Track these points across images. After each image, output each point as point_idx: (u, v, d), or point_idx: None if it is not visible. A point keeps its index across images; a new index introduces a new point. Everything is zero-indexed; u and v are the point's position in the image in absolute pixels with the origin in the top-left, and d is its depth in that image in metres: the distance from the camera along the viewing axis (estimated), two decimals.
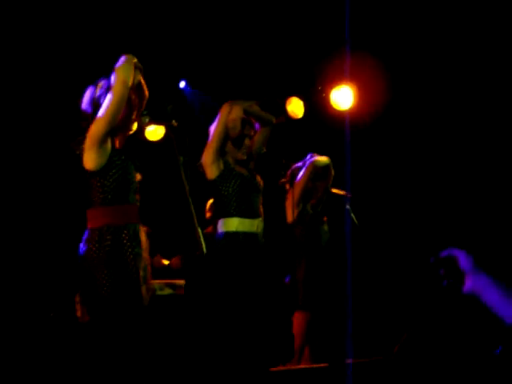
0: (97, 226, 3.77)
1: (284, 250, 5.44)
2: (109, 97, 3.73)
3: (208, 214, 6.13)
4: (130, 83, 3.75)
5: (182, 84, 7.37)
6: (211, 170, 4.65)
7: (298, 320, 5.30)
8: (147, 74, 6.60)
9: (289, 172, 5.69)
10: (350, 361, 4.14)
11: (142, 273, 3.79)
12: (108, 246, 3.72)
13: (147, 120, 4.22)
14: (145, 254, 3.86)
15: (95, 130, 3.72)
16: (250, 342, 4.31)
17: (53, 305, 5.74)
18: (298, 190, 5.58)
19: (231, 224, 4.60)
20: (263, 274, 4.54)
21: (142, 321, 3.76)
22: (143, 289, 3.78)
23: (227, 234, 4.58)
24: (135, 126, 4.08)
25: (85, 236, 3.80)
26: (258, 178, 4.87)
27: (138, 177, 3.98)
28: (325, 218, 5.82)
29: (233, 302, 4.37)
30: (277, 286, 4.67)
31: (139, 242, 3.83)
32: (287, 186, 5.65)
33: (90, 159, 3.76)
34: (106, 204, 3.78)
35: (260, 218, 4.73)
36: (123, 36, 6.49)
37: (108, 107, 3.71)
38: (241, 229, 4.60)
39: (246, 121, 4.84)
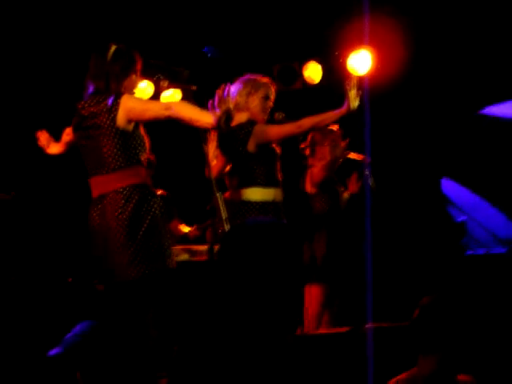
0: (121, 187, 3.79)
1: (303, 220, 5.39)
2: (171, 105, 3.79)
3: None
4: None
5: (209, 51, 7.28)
6: (256, 145, 4.64)
7: (315, 292, 5.28)
8: (166, 40, 6.59)
9: (309, 137, 5.61)
10: (370, 326, 4.12)
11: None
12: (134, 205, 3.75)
13: (166, 84, 4.19)
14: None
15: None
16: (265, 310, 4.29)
17: (71, 270, 5.76)
18: (319, 163, 5.52)
19: (256, 193, 4.59)
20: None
21: (169, 286, 3.77)
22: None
23: (251, 204, 4.56)
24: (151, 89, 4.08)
25: (106, 200, 3.81)
26: (273, 144, 4.84)
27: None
28: (342, 188, 5.75)
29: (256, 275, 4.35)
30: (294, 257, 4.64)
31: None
32: (307, 152, 5.58)
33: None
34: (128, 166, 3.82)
35: (280, 187, 4.71)
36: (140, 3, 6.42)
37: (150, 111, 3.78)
38: (265, 198, 4.58)
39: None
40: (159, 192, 4.18)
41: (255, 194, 4.60)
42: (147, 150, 3.98)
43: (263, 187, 4.61)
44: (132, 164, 3.83)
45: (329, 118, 4.69)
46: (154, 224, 3.79)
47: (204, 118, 3.68)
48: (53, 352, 2.38)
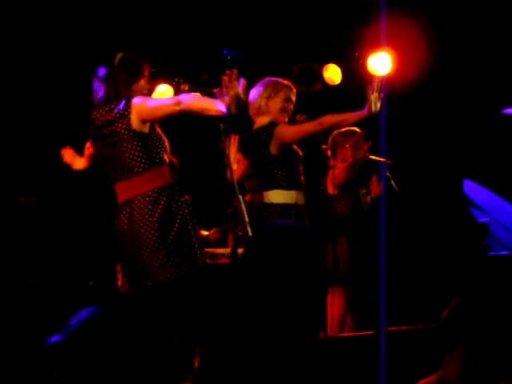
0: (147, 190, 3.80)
1: (325, 223, 5.37)
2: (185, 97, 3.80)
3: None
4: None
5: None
6: (278, 147, 4.65)
7: (338, 295, 5.24)
8: (185, 43, 6.60)
9: (330, 138, 5.60)
10: (385, 330, 4.10)
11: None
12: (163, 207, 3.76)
13: (187, 87, 4.20)
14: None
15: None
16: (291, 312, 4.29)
17: (93, 274, 5.77)
18: (341, 165, 5.51)
19: (278, 196, 4.59)
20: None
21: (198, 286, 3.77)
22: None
23: (273, 206, 4.57)
24: (171, 92, 4.09)
25: (134, 204, 3.82)
26: (295, 146, 4.84)
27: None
28: (364, 190, 5.72)
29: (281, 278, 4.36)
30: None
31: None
32: (329, 153, 5.56)
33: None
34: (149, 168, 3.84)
35: (302, 190, 4.72)
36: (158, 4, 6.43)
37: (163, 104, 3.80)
38: (287, 200, 4.59)
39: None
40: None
41: (277, 196, 4.61)
42: (168, 150, 3.99)
43: (285, 190, 4.62)
44: (155, 165, 3.85)
45: (350, 119, 4.67)
46: (184, 225, 3.81)
47: (214, 106, 3.68)
48: (53, 339, 2.36)
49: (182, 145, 4.63)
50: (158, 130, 3.99)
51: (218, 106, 3.67)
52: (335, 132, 5.56)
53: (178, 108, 3.76)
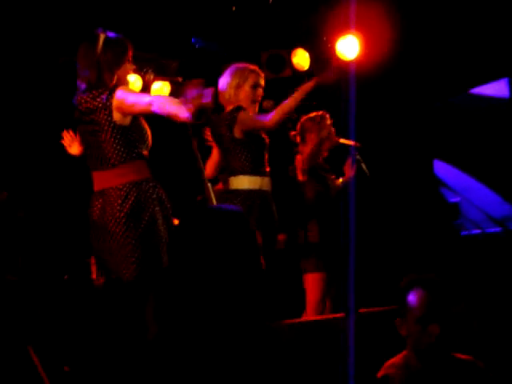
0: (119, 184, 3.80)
1: (295, 209, 5.39)
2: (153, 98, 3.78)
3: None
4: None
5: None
6: (241, 132, 4.65)
7: (312, 281, 5.27)
8: (153, 32, 6.58)
9: (299, 124, 5.61)
10: (355, 312, 4.15)
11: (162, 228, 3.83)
12: (132, 203, 3.75)
13: (152, 77, 4.20)
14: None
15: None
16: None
17: (68, 267, 5.76)
18: (308, 149, 5.51)
19: (243, 182, 4.61)
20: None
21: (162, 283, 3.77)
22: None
23: (238, 192, 4.59)
24: (140, 83, 4.08)
25: (106, 196, 3.82)
26: (263, 133, 4.85)
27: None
28: (333, 176, 5.72)
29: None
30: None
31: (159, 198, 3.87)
32: (298, 139, 5.58)
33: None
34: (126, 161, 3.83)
35: (267, 176, 4.73)
36: None
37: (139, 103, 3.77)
38: (252, 186, 4.61)
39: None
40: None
41: (242, 182, 4.62)
42: (149, 143, 3.98)
43: (250, 175, 4.63)
44: (132, 159, 3.83)
45: (299, 96, 4.67)
46: (152, 223, 3.79)
47: (180, 113, 3.68)
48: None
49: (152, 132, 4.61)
50: (144, 123, 3.97)
51: (183, 114, 3.67)
52: (304, 118, 5.58)
53: (150, 108, 3.75)
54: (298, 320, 4.66)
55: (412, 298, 3.05)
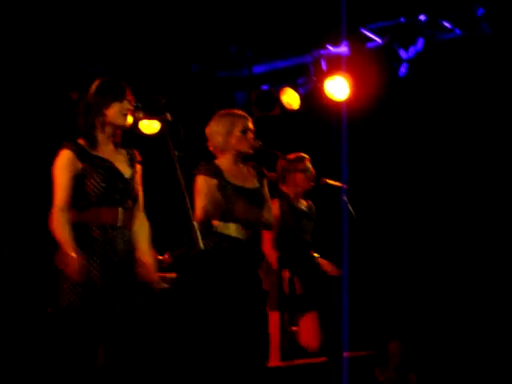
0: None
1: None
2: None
3: None
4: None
5: None
6: None
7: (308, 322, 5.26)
8: (142, 66, 6.60)
9: (279, 166, 5.61)
10: (345, 355, 4.13)
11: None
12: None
13: (141, 115, 4.18)
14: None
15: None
16: (243, 338, 4.29)
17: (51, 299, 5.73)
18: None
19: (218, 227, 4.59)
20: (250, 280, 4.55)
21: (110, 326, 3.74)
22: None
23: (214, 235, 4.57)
24: (130, 120, 4.06)
25: None
26: None
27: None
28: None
29: (224, 303, 4.37)
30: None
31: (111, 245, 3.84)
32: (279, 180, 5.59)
33: None
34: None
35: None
36: (116, 26, 6.43)
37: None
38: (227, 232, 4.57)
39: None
40: None
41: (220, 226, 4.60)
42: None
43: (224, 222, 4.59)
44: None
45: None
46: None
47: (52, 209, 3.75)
48: None
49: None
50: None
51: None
52: (282, 160, 5.57)
53: None
54: (283, 363, 4.63)
55: (391, 347, 3.12)
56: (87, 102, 3.93)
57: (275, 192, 5.41)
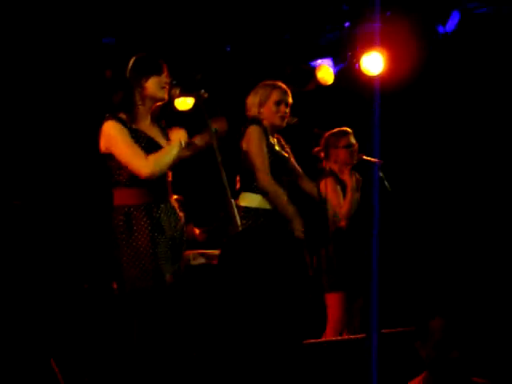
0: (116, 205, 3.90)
1: (315, 228, 5.36)
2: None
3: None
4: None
5: None
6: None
7: (332, 301, 5.25)
8: (176, 44, 6.61)
9: (322, 140, 5.59)
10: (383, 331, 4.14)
11: (160, 249, 3.81)
12: (120, 225, 3.78)
13: (178, 92, 4.21)
14: (170, 232, 3.89)
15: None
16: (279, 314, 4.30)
17: (88, 276, 5.79)
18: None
19: (253, 200, 4.55)
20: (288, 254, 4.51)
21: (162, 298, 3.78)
22: (164, 266, 3.80)
23: (248, 210, 4.53)
24: (165, 95, 4.10)
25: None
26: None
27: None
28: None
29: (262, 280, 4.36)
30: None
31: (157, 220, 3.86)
32: (321, 155, 5.56)
33: None
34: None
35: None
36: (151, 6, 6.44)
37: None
38: (262, 205, 4.53)
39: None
40: (175, 197, 4.19)
41: (251, 199, 4.55)
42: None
43: (257, 194, 4.55)
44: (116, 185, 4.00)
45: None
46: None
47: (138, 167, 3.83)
48: None
49: None
50: None
51: (141, 169, 3.79)
52: (327, 133, 5.56)
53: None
54: (319, 340, 4.64)
55: (432, 324, 3.12)
56: (125, 77, 3.99)
57: (322, 170, 5.41)
